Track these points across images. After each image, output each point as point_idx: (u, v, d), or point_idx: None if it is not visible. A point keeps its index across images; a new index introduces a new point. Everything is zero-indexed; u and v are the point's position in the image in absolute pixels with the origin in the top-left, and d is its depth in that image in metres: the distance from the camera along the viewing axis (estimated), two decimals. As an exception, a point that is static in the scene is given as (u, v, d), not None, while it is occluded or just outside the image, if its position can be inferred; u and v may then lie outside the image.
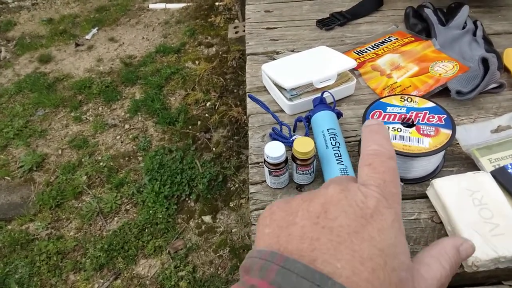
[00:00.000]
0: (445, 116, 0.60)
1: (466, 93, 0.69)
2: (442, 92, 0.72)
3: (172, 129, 2.12)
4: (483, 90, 0.73)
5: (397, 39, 0.86)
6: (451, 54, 0.78)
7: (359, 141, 0.67)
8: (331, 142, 0.61)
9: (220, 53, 2.54)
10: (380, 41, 0.87)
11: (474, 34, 0.82)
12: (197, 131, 2.10)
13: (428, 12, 0.86)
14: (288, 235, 0.26)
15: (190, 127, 2.12)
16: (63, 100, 2.36)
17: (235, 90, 2.29)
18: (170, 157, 1.97)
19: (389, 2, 1.02)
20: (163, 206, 1.80)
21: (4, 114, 2.31)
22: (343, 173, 0.56)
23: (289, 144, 0.65)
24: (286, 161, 0.59)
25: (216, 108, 2.21)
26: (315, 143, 0.61)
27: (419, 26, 0.88)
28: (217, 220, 1.76)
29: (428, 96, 0.72)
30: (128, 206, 1.89)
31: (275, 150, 0.56)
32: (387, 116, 0.61)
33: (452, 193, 0.54)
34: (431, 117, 0.60)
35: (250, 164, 0.67)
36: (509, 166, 0.57)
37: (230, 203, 1.82)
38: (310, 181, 0.62)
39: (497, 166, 0.57)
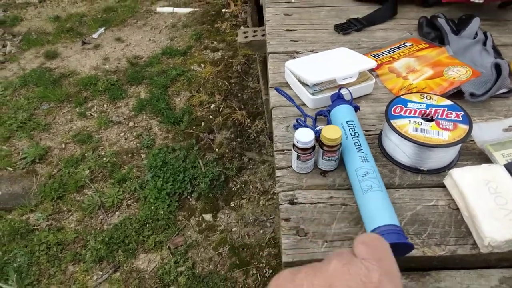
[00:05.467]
0: (462, 113, 0.65)
1: (479, 96, 0.74)
2: (455, 95, 0.77)
3: (176, 128, 2.15)
4: (494, 94, 0.78)
5: (412, 45, 0.91)
6: (463, 61, 0.84)
7: (379, 133, 0.72)
8: (351, 133, 0.65)
9: (226, 57, 2.59)
10: (396, 46, 0.92)
11: (484, 44, 0.88)
12: (201, 131, 2.13)
13: (441, 21, 0.92)
14: None
15: (194, 127, 2.15)
16: (68, 96, 2.38)
17: (240, 94, 2.34)
18: (173, 156, 2.00)
19: (402, 12, 1.08)
20: (165, 203, 1.82)
21: (8, 106, 2.32)
22: (363, 161, 0.60)
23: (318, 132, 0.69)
24: (313, 147, 0.63)
25: (220, 110, 2.25)
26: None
27: (432, 35, 0.93)
28: (218, 219, 1.79)
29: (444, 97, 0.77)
30: (129, 201, 1.90)
31: (305, 136, 0.60)
32: (408, 111, 0.66)
33: (469, 182, 0.58)
34: (449, 113, 0.65)
35: (276, 151, 0.70)
36: (520, 160, 0.61)
37: (231, 203, 1.84)
38: (334, 168, 0.66)
39: (509, 160, 0.62)
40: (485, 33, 0.90)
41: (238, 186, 1.89)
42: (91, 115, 2.28)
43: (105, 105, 2.33)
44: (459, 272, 0.55)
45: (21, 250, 1.71)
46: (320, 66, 0.79)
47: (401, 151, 0.65)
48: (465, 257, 0.55)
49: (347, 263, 0.29)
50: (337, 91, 0.74)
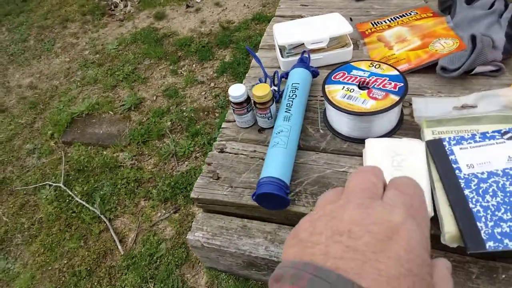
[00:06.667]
0: (402, 84, 0.62)
1: (451, 71, 0.68)
2: (432, 69, 0.72)
3: (249, 91, 2.28)
4: (484, 71, 0.71)
5: (416, 13, 0.85)
6: (461, 34, 0.76)
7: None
8: (289, 94, 0.68)
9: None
10: (401, 14, 0.87)
11: (501, 16, 0.77)
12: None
13: (458, -12, 0.83)
14: (311, 254, 0.25)
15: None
16: (166, 54, 2.68)
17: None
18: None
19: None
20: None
21: (119, 59, 2.72)
22: (284, 120, 0.64)
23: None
24: (247, 102, 0.68)
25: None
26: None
27: (449, 3, 0.85)
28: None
29: (416, 69, 0.73)
30: (198, 154, 2.13)
31: (236, 90, 0.66)
32: (348, 77, 0.66)
33: (376, 152, 0.58)
34: (388, 83, 0.63)
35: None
36: (446, 139, 0.57)
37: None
38: (270, 125, 0.70)
39: (436, 138, 0.58)
40: (506, 4, 0.79)
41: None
42: (181, 73, 2.54)
43: (194, 65, 2.57)
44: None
45: (107, 181, 2.07)
46: (299, 30, 0.81)
47: (331, 116, 0.66)
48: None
49: (368, 207, 0.28)
50: (301, 55, 0.76)
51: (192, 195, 0.63)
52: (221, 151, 0.69)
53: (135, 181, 2.06)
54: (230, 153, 0.68)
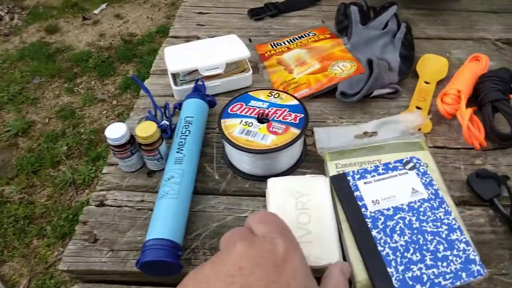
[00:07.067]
0: (302, 115, 0.57)
1: (350, 96, 0.65)
2: (332, 93, 0.69)
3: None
4: (382, 94, 0.69)
5: (315, 34, 0.82)
6: (358, 56, 0.74)
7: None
8: (182, 131, 0.59)
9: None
10: (299, 35, 0.83)
11: (394, 36, 0.77)
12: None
13: (353, 9, 0.81)
14: None
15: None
16: (59, 71, 2.42)
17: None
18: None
19: (330, -4, 0.97)
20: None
21: (3, 79, 2.39)
22: (176, 163, 0.55)
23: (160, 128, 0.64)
24: (131, 143, 0.58)
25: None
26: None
27: (345, 23, 0.83)
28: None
29: (317, 94, 0.69)
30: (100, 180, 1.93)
31: (114, 131, 0.56)
32: (246, 109, 0.59)
33: (279, 192, 0.51)
34: (288, 115, 0.58)
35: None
36: (350, 174, 0.53)
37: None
38: (162, 167, 0.61)
39: (340, 172, 0.54)
40: (399, 24, 0.79)
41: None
42: (78, 91, 2.31)
43: (93, 82, 2.35)
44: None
45: (-10, 221, 1.78)
46: (192, 54, 0.73)
47: (230, 153, 0.58)
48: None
49: (252, 243, 0.29)
50: (195, 83, 0.68)
51: (61, 266, 0.50)
52: (101, 204, 0.57)
53: (25, 218, 1.80)
54: (111, 206, 0.57)
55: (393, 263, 0.46)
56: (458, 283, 0.43)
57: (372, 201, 0.51)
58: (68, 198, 1.88)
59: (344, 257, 0.48)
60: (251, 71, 0.73)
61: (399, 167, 0.54)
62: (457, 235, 0.47)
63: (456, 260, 0.45)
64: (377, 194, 0.51)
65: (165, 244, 0.46)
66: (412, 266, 0.45)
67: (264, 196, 0.56)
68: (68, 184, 1.92)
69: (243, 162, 0.57)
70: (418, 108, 0.67)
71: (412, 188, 0.52)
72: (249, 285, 0.26)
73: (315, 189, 0.51)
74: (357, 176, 0.53)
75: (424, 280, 0.43)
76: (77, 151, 2.05)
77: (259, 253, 0.28)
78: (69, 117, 2.18)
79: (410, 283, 0.44)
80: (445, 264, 0.44)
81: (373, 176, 0.53)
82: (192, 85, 0.70)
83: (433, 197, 0.50)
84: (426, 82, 0.72)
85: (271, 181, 0.53)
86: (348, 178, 0.53)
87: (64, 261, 0.51)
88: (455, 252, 0.45)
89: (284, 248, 0.29)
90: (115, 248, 0.52)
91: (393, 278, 0.44)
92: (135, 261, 0.47)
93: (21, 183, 1.93)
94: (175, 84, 0.72)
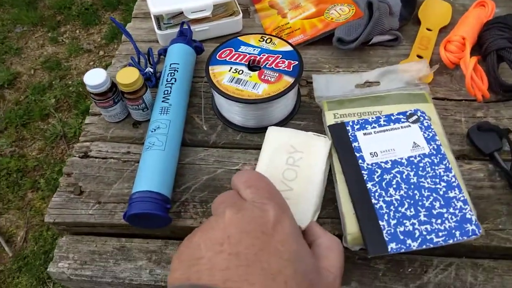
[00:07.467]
0: (296, 62, 0.54)
1: (348, 42, 0.61)
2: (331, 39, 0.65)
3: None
4: (381, 42, 0.65)
5: (311, -25, 0.76)
6: (357, -1, 0.69)
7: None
8: (167, 78, 0.55)
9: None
10: (295, -24, 0.77)
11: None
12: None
13: None
14: (197, 272, 0.25)
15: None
16: (42, 19, 2.31)
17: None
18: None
19: None
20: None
21: (-18, 27, 2.28)
22: (161, 113, 0.52)
23: (144, 76, 0.60)
24: (113, 91, 0.54)
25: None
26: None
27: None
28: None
29: (312, 41, 0.65)
30: (91, 132, 1.90)
31: (94, 78, 0.52)
32: (235, 55, 0.55)
33: (274, 145, 0.49)
34: (281, 62, 0.54)
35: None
36: (350, 123, 0.51)
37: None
38: (147, 118, 0.57)
39: (338, 122, 0.52)
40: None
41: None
42: (62, 41, 2.21)
43: (77, 31, 2.25)
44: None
45: (-17, 176, 1.76)
46: (179, -4, 0.67)
47: (220, 103, 0.55)
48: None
49: (241, 210, 0.29)
50: (180, 27, 0.63)
51: (47, 219, 0.49)
52: (85, 155, 0.54)
53: (17, 171, 1.78)
54: (96, 157, 0.54)
55: (385, 217, 0.44)
56: (450, 241, 0.41)
57: (370, 153, 0.49)
58: (60, 152, 1.86)
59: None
60: (241, 15, 0.68)
61: (402, 120, 0.51)
62: (455, 193, 0.45)
63: (452, 218, 0.43)
64: (376, 146, 0.49)
65: (152, 196, 0.44)
66: (405, 221, 0.44)
67: (256, 149, 0.54)
68: (59, 137, 1.88)
69: (233, 112, 0.54)
70: (419, 57, 0.64)
71: (414, 142, 0.49)
72: (237, 253, 0.26)
73: (312, 149, 0.48)
74: (356, 127, 0.51)
75: (416, 235, 0.42)
76: (66, 104, 2.00)
77: (247, 220, 0.28)
78: (55, 68, 2.10)
79: (401, 237, 0.42)
80: (439, 221, 0.43)
81: (374, 127, 0.51)
82: (177, 29, 0.65)
83: (434, 152, 0.48)
84: (428, 29, 0.68)
85: (270, 131, 0.50)
86: (348, 128, 0.50)
87: (50, 213, 0.49)
88: (451, 210, 0.44)
89: (273, 214, 0.29)
90: (102, 200, 0.50)
91: (384, 231, 0.43)
92: (123, 214, 0.45)
93: (11, 136, 1.89)
94: (159, 28, 0.67)
